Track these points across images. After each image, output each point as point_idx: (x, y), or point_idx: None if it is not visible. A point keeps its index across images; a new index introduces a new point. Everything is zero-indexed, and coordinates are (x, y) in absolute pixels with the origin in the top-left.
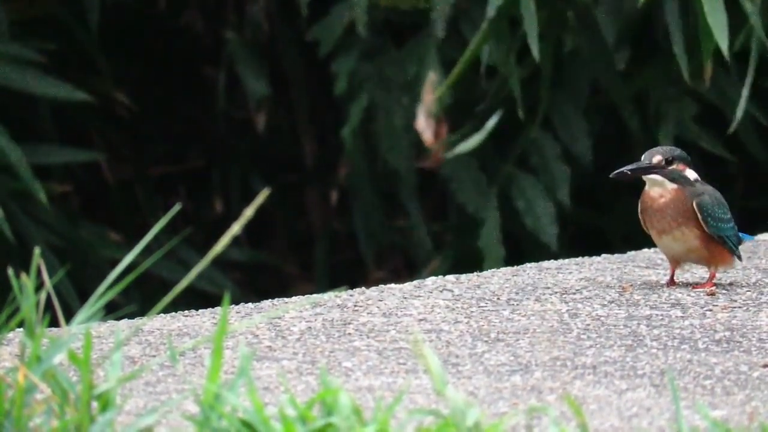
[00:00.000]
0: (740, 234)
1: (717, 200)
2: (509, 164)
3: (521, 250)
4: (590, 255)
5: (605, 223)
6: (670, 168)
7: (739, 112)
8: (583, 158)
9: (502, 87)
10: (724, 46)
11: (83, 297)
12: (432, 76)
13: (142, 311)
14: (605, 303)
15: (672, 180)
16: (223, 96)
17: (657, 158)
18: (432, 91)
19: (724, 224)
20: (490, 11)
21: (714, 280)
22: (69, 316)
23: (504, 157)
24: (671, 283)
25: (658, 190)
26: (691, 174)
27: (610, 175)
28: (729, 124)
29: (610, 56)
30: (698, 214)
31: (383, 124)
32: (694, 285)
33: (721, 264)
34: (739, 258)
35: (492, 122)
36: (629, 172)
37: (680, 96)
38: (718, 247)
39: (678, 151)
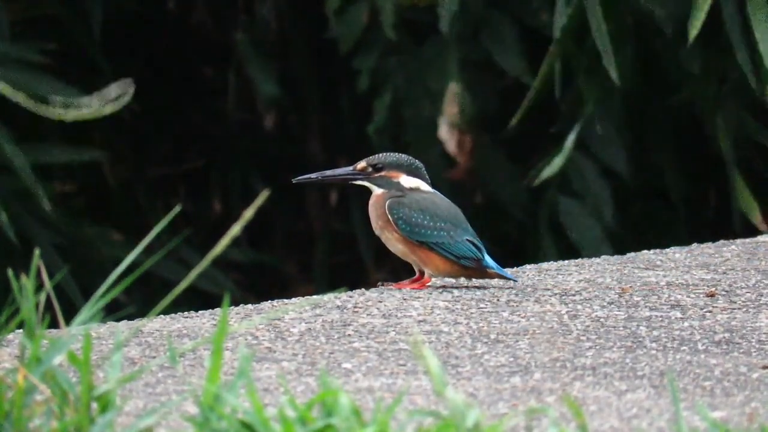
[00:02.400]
0: (498, 268)
1: (419, 207)
2: (553, 189)
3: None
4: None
5: (640, 230)
6: (378, 174)
7: None
8: (622, 174)
9: (574, 106)
10: None
11: (87, 296)
12: (453, 87)
13: (144, 311)
14: (605, 304)
15: (379, 186)
16: (233, 97)
17: (361, 164)
18: (454, 102)
19: (426, 230)
20: (557, 32)
21: (426, 284)
22: (73, 316)
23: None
24: (413, 282)
25: (372, 194)
26: (409, 182)
27: (293, 180)
28: None
29: (675, 60)
30: (389, 217)
31: (408, 124)
32: (399, 284)
33: (433, 269)
34: (470, 267)
35: (570, 140)
36: (320, 178)
37: (735, 99)
38: (427, 252)
39: (393, 159)
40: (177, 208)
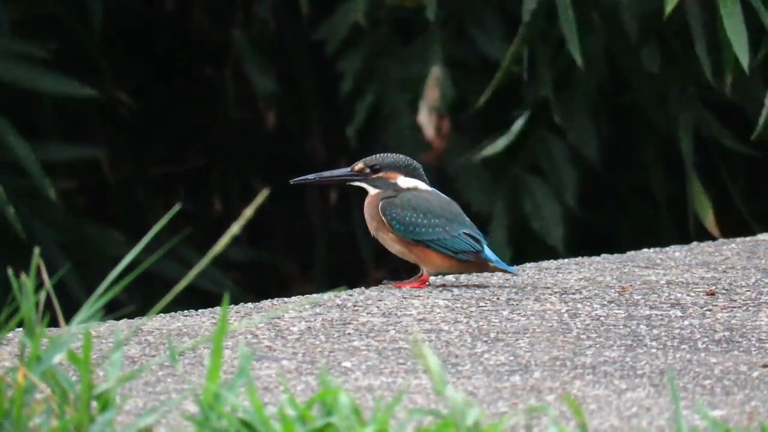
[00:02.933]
0: (501, 262)
1: (411, 205)
2: (518, 167)
3: (526, 251)
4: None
5: (613, 224)
6: (375, 176)
7: (762, 119)
8: (591, 160)
9: (532, 90)
10: (744, 61)
11: (90, 294)
12: (436, 72)
13: (144, 309)
14: (605, 303)
15: (376, 187)
16: (231, 95)
17: (359, 165)
18: (435, 86)
19: (420, 228)
20: (526, 16)
21: (426, 282)
22: (77, 314)
23: (511, 159)
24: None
25: (367, 195)
26: (405, 182)
27: (291, 182)
28: (750, 120)
29: (636, 56)
30: (382, 218)
31: (389, 123)
32: (400, 283)
33: (432, 266)
34: (466, 260)
35: (518, 125)
36: (317, 179)
37: (698, 98)
38: (424, 250)
39: (390, 160)
40: (176, 207)
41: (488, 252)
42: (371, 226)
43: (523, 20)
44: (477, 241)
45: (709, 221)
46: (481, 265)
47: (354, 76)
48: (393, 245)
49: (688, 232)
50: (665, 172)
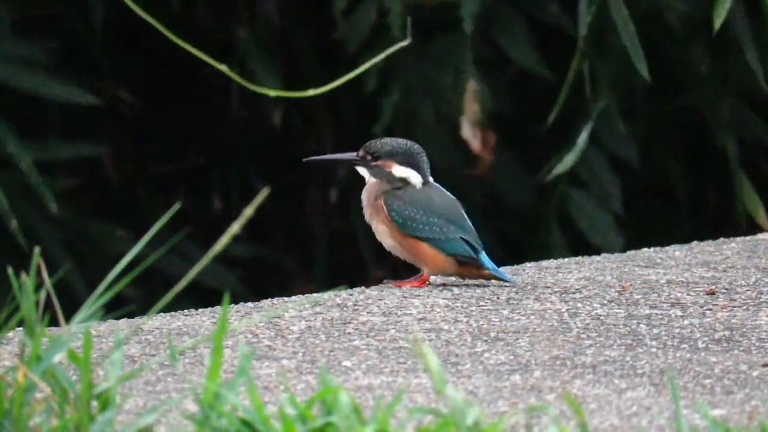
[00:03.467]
0: (496, 269)
1: (412, 201)
2: (563, 182)
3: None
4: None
5: (657, 221)
6: (374, 163)
7: None
8: (631, 163)
9: (585, 103)
10: None
11: (93, 291)
12: (472, 85)
13: (146, 306)
14: (605, 302)
15: (373, 175)
16: (236, 94)
17: (360, 152)
18: (474, 100)
19: (418, 224)
20: (582, 29)
21: (425, 282)
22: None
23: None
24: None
25: (367, 182)
26: (401, 171)
27: (304, 160)
28: None
29: (690, 60)
30: (383, 209)
31: (416, 122)
32: (400, 282)
33: (431, 267)
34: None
35: (583, 138)
36: (329, 159)
37: (745, 102)
38: (415, 244)
39: (388, 148)
40: (177, 206)
41: (485, 259)
42: (366, 212)
43: (579, 34)
44: (473, 248)
45: (762, 217)
46: (476, 270)
47: (377, 74)
48: (384, 237)
49: (725, 230)
50: (697, 173)
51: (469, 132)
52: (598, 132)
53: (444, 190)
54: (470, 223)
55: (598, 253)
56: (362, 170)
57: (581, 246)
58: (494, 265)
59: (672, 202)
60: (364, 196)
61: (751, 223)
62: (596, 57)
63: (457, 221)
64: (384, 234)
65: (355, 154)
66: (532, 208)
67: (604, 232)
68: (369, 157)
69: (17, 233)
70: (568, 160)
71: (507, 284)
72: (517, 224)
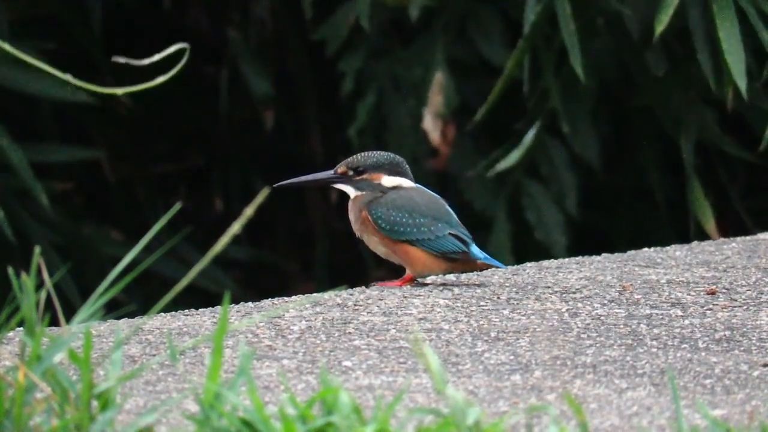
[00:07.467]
0: (488, 258)
1: (396, 205)
2: (519, 172)
3: (527, 254)
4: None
5: (613, 226)
6: (359, 177)
7: None
8: (593, 164)
9: (540, 101)
10: (742, 85)
11: (86, 295)
12: (439, 77)
13: (144, 309)
14: (605, 302)
15: (360, 189)
16: (225, 95)
17: (341, 169)
18: (439, 92)
19: (405, 228)
20: (526, 28)
21: (408, 281)
22: (71, 315)
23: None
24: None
25: (350, 198)
26: (390, 181)
27: (274, 186)
28: (752, 123)
29: (641, 61)
30: (368, 217)
31: (390, 123)
32: (385, 282)
33: (416, 266)
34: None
35: (530, 137)
36: (301, 182)
37: (703, 105)
38: (408, 249)
39: (372, 160)
40: (177, 207)
41: (475, 250)
42: (355, 227)
43: (524, 32)
44: (463, 242)
45: (710, 226)
46: (468, 263)
47: (355, 76)
48: (377, 246)
49: (688, 234)
50: (664, 174)
51: (430, 123)
52: (569, 131)
53: (425, 189)
54: (456, 217)
55: (540, 248)
56: (345, 187)
57: (527, 238)
58: (485, 254)
59: (631, 208)
60: (351, 212)
61: (700, 230)
62: (544, 54)
63: (443, 217)
64: (377, 244)
65: (332, 172)
66: (486, 199)
67: (550, 228)
68: (352, 173)
69: (5, 226)
70: (513, 157)
71: (510, 281)
72: (471, 215)
